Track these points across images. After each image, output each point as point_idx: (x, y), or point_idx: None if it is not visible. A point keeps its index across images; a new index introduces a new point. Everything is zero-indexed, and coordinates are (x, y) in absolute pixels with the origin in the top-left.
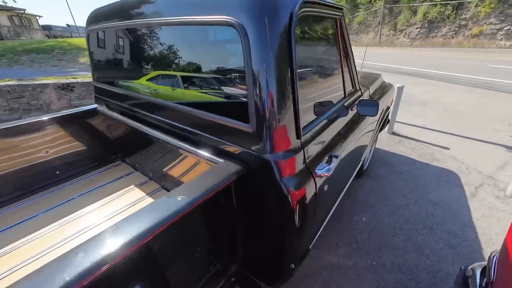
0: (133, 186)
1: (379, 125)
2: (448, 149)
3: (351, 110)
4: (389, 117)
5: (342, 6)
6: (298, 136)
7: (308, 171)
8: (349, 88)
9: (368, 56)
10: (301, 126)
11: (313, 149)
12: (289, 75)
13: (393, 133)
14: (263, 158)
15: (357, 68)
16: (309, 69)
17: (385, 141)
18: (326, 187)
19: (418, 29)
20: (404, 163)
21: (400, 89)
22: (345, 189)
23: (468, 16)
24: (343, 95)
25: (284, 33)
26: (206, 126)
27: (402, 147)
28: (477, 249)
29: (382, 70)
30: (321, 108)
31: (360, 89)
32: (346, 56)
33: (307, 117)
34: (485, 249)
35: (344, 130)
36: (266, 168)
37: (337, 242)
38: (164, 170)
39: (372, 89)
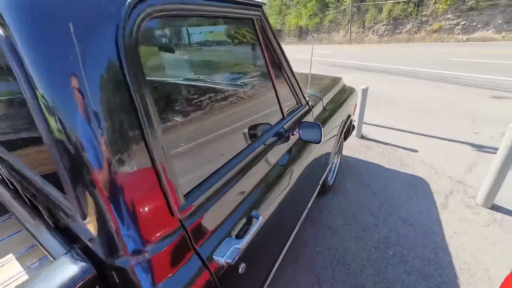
0: (13, 253)
1: (340, 135)
2: (417, 151)
3: (292, 135)
4: (356, 122)
5: (259, 2)
6: (173, 211)
7: (200, 262)
8: (290, 105)
9: (338, 54)
10: (184, 190)
11: (217, 216)
12: (134, 110)
13: (362, 137)
14: (108, 262)
15: (308, 71)
16: (206, 93)
17: (353, 147)
18: (242, 268)
19: (385, 26)
20: (373, 172)
21: (365, 91)
22: (301, 220)
23: (428, 12)
24: (281, 117)
25: (111, 48)
26: (35, 188)
27: (371, 152)
28: (452, 279)
29: (351, 68)
30: (236, 143)
31: (307, 102)
32: (279, 66)
33: (203, 168)
34: (460, 278)
35: (288, 156)
36: (119, 276)
37: (297, 283)
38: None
39: (327, 98)
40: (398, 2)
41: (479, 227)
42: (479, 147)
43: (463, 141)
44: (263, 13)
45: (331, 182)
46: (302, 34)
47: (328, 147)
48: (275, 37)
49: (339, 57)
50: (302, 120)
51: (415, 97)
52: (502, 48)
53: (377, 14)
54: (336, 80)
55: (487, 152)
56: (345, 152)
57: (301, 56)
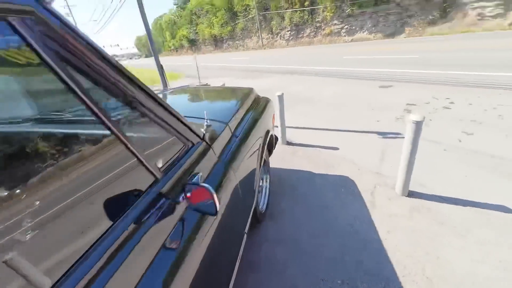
0: None
1: (261, 157)
2: (338, 149)
3: (177, 203)
4: (279, 128)
5: None
6: None
7: None
8: (170, 152)
9: (254, 59)
10: None
11: None
12: None
13: (288, 143)
14: None
15: (228, 78)
16: None
17: (281, 156)
18: None
19: (289, 32)
20: (305, 181)
21: (281, 97)
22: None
23: (320, 19)
24: (153, 178)
25: None
26: None
27: (298, 158)
28: None
29: (267, 72)
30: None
31: (202, 138)
32: (123, 93)
33: None
34: (405, 287)
35: (180, 229)
36: None
37: None
38: None
39: (236, 120)
40: (296, 11)
41: (405, 220)
42: (383, 134)
43: (370, 130)
44: (46, 9)
45: (264, 208)
46: (217, 42)
47: (250, 180)
48: (93, 47)
49: (255, 62)
50: (188, 182)
51: (325, 94)
52: (376, 45)
53: (281, 21)
54: (247, 93)
55: (390, 138)
56: (274, 164)
57: (221, 64)
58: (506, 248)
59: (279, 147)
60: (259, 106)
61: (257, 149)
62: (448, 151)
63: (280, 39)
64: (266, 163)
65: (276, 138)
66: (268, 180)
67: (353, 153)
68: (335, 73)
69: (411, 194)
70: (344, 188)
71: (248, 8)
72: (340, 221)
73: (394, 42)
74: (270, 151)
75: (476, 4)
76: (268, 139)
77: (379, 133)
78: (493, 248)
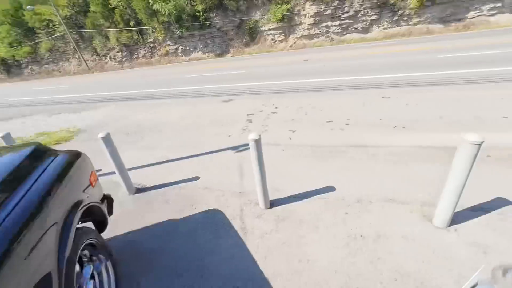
0: None
1: (57, 261)
2: (198, 178)
3: None
4: (117, 174)
5: None
6: None
7: None
8: None
9: (77, 87)
10: None
11: None
12: None
13: (138, 190)
14: None
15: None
16: None
17: (129, 214)
18: None
19: (120, 53)
20: (167, 237)
21: (107, 138)
22: None
23: (152, 40)
24: None
25: None
26: None
27: (156, 207)
28: None
29: (96, 102)
30: None
31: None
32: None
33: None
34: None
35: None
36: None
37: None
38: None
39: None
40: (122, 30)
41: (275, 233)
42: (236, 148)
43: (225, 147)
44: None
45: None
46: (12, 68)
47: None
48: None
49: (81, 90)
50: None
51: (173, 118)
52: (211, 64)
53: (106, 41)
54: (22, 156)
55: (243, 150)
56: (121, 229)
57: (28, 98)
58: (340, 225)
59: (125, 202)
60: (51, 172)
61: (48, 251)
62: (286, 150)
63: (111, 60)
64: (98, 246)
65: (109, 199)
66: (110, 268)
67: (215, 178)
68: (179, 94)
69: (272, 204)
70: (214, 225)
71: (51, 24)
72: (222, 270)
73: (224, 61)
74: (103, 224)
75: (269, 32)
76: (78, 217)
77: (232, 148)
78: (334, 229)
